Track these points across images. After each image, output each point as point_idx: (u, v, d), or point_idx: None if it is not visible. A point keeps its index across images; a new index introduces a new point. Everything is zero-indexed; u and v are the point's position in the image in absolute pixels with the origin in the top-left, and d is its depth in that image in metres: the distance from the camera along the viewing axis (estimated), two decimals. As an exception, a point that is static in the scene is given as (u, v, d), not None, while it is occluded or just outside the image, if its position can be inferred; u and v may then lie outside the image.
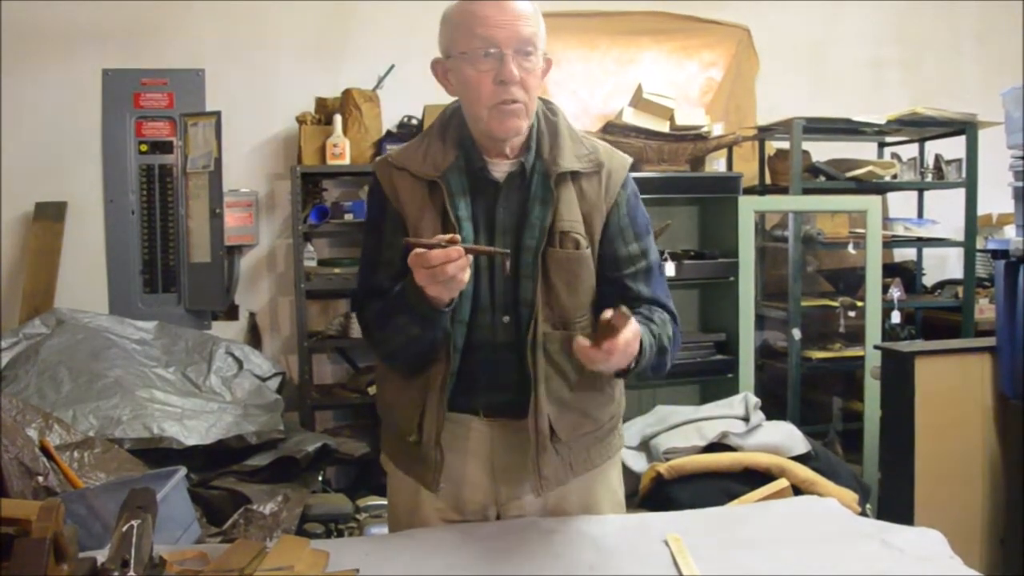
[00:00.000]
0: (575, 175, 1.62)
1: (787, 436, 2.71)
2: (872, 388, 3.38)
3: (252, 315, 4.15)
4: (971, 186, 4.00)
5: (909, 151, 4.42)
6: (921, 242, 4.20)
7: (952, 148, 4.16)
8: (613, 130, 3.69)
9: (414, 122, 3.93)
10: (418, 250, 1.39)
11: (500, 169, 1.62)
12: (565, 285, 1.59)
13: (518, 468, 1.65)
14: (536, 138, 1.63)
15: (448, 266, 1.36)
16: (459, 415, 1.62)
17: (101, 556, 1.40)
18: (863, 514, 2.37)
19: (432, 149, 1.62)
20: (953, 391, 2.93)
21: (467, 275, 1.41)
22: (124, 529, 1.33)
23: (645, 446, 2.79)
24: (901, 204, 4.57)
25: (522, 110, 1.56)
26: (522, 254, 1.58)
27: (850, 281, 4.07)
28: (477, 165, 1.61)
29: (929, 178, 4.23)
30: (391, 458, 1.75)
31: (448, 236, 1.41)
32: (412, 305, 1.47)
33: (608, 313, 1.40)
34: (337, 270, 3.91)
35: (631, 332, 1.41)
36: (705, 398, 3.57)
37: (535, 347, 1.57)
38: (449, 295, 1.45)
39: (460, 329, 1.57)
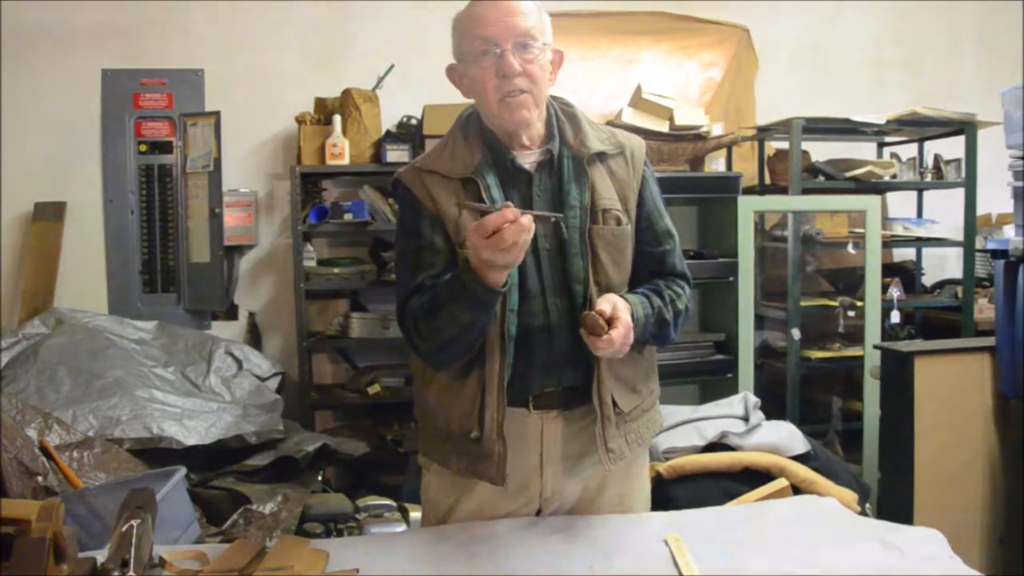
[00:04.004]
0: (602, 156, 1.69)
1: (787, 436, 2.70)
2: (872, 388, 3.37)
3: (252, 315, 4.15)
4: (970, 186, 4.00)
5: (908, 151, 4.42)
6: (920, 242, 4.20)
7: (951, 148, 4.16)
8: (613, 130, 3.69)
9: (413, 122, 3.93)
10: (475, 224, 1.39)
11: (529, 159, 1.66)
12: (611, 261, 1.64)
13: (566, 459, 1.68)
14: (557, 126, 1.68)
15: (506, 231, 1.35)
16: (510, 409, 1.61)
17: (101, 556, 1.40)
18: (863, 514, 2.37)
19: (458, 150, 1.66)
20: (953, 391, 2.93)
21: (527, 238, 1.39)
22: (124, 529, 1.34)
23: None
24: (900, 204, 4.57)
25: (529, 100, 1.59)
26: (568, 233, 1.61)
27: (849, 281, 4.06)
28: (507, 158, 1.64)
29: (928, 178, 4.23)
30: (435, 460, 1.74)
31: (501, 204, 1.41)
32: (466, 289, 1.46)
33: (587, 314, 1.51)
34: (336, 270, 3.92)
35: (622, 329, 1.50)
36: (704, 398, 3.56)
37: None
38: (515, 261, 1.43)
39: (511, 318, 1.58)
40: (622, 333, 1.50)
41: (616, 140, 1.72)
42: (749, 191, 4.10)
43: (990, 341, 2.98)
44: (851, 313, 3.83)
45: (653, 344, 1.73)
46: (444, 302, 1.51)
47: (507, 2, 1.58)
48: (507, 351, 1.58)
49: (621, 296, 1.60)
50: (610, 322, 1.50)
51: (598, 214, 1.64)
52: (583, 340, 1.54)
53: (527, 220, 1.37)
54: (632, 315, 1.55)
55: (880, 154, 4.52)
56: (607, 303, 1.53)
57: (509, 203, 1.41)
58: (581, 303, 1.61)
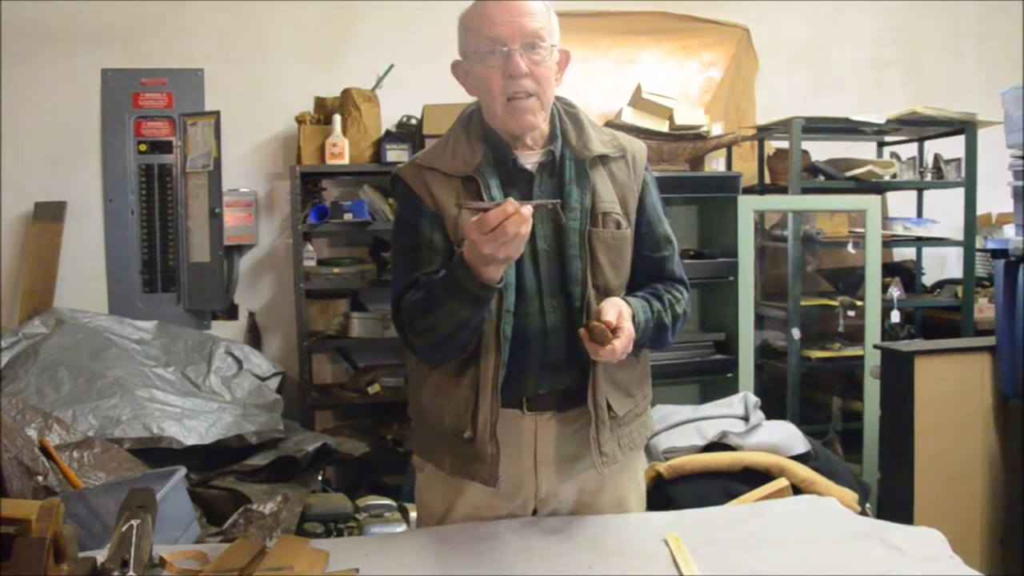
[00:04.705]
0: (604, 159, 1.68)
1: (787, 435, 2.70)
2: (872, 387, 3.37)
3: (252, 315, 4.15)
4: (970, 186, 4.00)
5: (908, 151, 4.42)
6: (920, 241, 4.20)
7: (951, 148, 4.16)
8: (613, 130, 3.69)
9: (413, 122, 3.93)
10: (474, 219, 1.38)
11: (530, 160, 1.66)
12: (610, 264, 1.64)
13: (560, 460, 1.68)
14: (560, 127, 1.67)
15: (508, 224, 1.35)
16: (504, 410, 1.61)
17: (101, 556, 1.40)
18: (863, 513, 2.37)
19: (459, 147, 1.65)
20: (953, 390, 2.93)
21: (527, 230, 1.38)
22: (124, 529, 1.34)
23: (644, 445, 2.79)
24: (900, 204, 4.57)
25: (535, 104, 1.59)
26: (567, 235, 1.60)
27: (849, 280, 4.07)
28: (509, 157, 1.64)
29: (928, 177, 4.23)
30: (429, 459, 1.73)
31: (501, 200, 1.40)
32: (461, 285, 1.45)
33: (595, 325, 1.49)
34: (336, 270, 3.92)
35: (624, 338, 1.50)
36: (705, 397, 3.56)
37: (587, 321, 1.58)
38: (516, 254, 1.42)
39: (507, 318, 1.57)
40: (624, 342, 1.50)
41: (618, 143, 1.71)
42: (749, 191, 4.10)
43: (990, 341, 2.98)
44: (851, 313, 3.83)
45: (650, 348, 1.73)
46: (440, 298, 1.50)
47: (517, 2, 1.57)
48: (502, 352, 1.57)
49: (623, 300, 1.60)
50: (614, 330, 1.50)
51: (598, 217, 1.63)
52: (581, 343, 1.53)
53: (527, 210, 1.37)
54: (633, 319, 1.55)
55: (880, 154, 4.52)
56: (612, 309, 1.52)
57: (510, 197, 1.40)
58: (579, 306, 1.60)
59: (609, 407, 1.64)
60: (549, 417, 1.66)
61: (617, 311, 1.52)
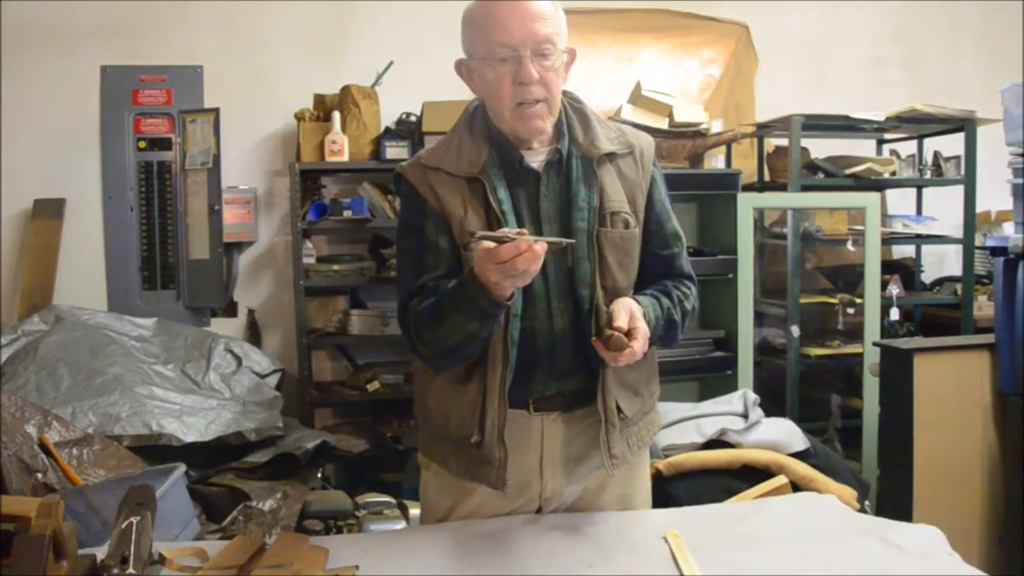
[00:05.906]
0: (612, 156, 1.66)
1: (786, 433, 2.71)
2: (871, 385, 3.38)
3: (251, 312, 4.15)
4: (970, 183, 4.00)
5: (908, 148, 4.41)
6: (920, 239, 4.20)
7: (951, 145, 4.16)
8: (612, 127, 3.69)
9: (412, 119, 3.92)
10: (485, 244, 1.37)
11: (536, 159, 1.63)
12: (618, 264, 1.62)
13: (566, 461, 1.67)
14: (567, 124, 1.65)
15: (519, 260, 1.34)
16: (510, 411, 1.59)
17: (100, 553, 1.40)
18: (862, 511, 2.36)
19: (464, 146, 1.63)
20: (952, 388, 2.93)
21: (538, 266, 1.38)
22: (123, 526, 1.34)
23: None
24: (900, 201, 4.57)
25: (544, 110, 1.57)
26: (575, 236, 1.59)
27: (849, 278, 4.07)
28: (515, 157, 1.62)
29: (928, 175, 4.23)
30: (434, 459, 1.73)
31: (516, 231, 1.39)
32: (471, 300, 1.44)
33: (610, 334, 1.48)
34: (336, 267, 3.91)
35: (641, 339, 1.49)
36: (704, 395, 3.56)
37: (599, 327, 1.57)
38: (524, 283, 1.42)
39: (515, 323, 1.56)
40: (642, 343, 1.49)
41: (626, 140, 1.69)
42: (748, 188, 4.10)
43: (989, 338, 2.98)
44: (850, 310, 3.83)
45: (660, 346, 1.71)
46: (448, 310, 1.49)
47: (528, 4, 1.54)
48: (510, 357, 1.56)
49: (633, 299, 1.59)
50: (628, 333, 1.48)
51: (606, 217, 1.61)
52: (588, 345, 1.52)
53: (540, 248, 1.35)
54: (644, 318, 1.54)
55: (879, 151, 4.51)
56: (623, 312, 1.51)
57: (524, 231, 1.38)
58: (587, 307, 1.58)
59: (619, 409, 1.63)
60: (555, 418, 1.65)
61: (628, 313, 1.51)
